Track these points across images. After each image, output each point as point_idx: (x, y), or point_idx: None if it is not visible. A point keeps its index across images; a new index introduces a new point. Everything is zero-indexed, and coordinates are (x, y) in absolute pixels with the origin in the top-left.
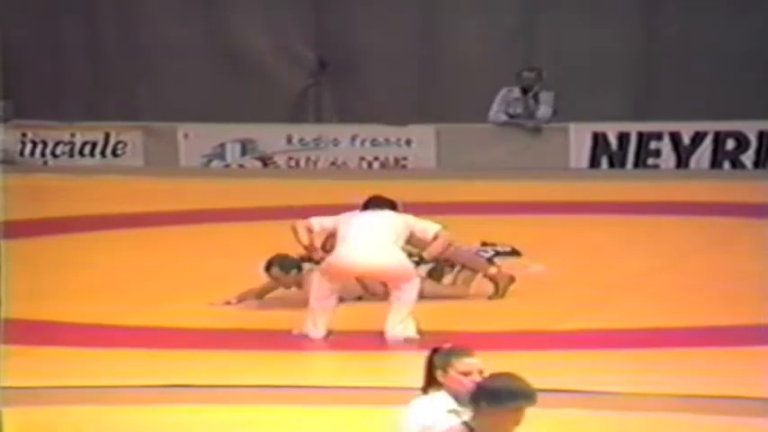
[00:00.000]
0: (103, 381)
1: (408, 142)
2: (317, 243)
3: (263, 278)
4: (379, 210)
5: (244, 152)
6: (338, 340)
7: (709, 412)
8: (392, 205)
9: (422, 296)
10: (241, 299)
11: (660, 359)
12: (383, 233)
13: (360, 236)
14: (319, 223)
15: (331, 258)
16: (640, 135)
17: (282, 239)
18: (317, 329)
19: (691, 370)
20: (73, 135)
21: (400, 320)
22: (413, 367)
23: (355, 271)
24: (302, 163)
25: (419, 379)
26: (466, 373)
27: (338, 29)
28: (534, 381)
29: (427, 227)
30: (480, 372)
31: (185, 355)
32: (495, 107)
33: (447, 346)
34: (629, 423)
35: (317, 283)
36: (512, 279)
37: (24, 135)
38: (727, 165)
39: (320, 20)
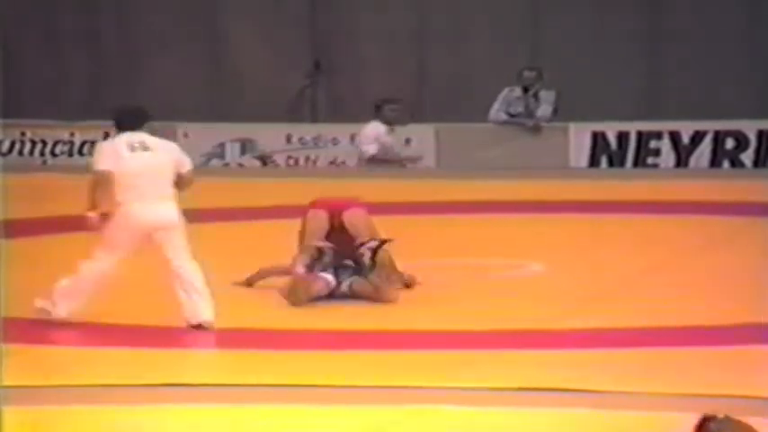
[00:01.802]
0: (103, 381)
1: (408, 142)
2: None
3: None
4: (138, 131)
5: (243, 151)
6: (338, 340)
7: (708, 412)
8: (146, 116)
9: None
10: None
11: (660, 359)
12: (167, 178)
13: (149, 188)
14: (104, 180)
15: (120, 218)
16: (640, 134)
17: (282, 239)
18: (66, 308)
19: (691, 370)
20: (73, 135)
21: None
22: (412, 367)
23: (148, 228)
24: (301, 162)
25: (419, 379)
26: None
27: (336, 29)
28: (534, 381)
29: (186, 159)
30: None
31: (185, 356)
32: (496, 106)
33: (721, 416)
34: (629, 423)
35: (104, 249)
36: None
37: (24, 135)
38: (726, 164)
39: (317, 20)
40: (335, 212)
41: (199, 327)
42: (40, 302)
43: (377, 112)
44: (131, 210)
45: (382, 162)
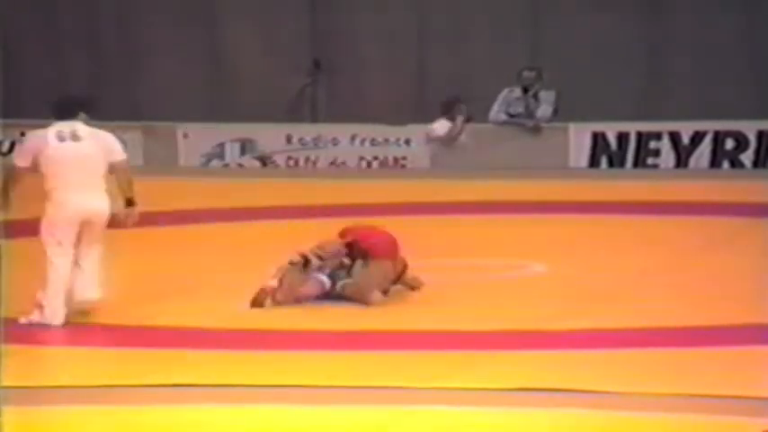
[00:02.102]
0: (103, 381)
1: (408, 142)
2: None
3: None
4: (71, 120)
5: (243, 152)
6: (337, 340)
7: (709, 412)
8: (87, 107)
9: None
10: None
11: (660, 359)
12: (96, 169)
13: (79, 178)
14: (23, 168)
15: (50, 208)
16: (640, 135)
17: (282, 239)
18: (56, 315)
19: (691, 370)
20: None
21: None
22: (412, 367)
23: (78, 217)
24: (301, 162)
25: (419, 379)
26: None
27: (335, 29)
28: (534, 381)
29: (117, 149)
30: None
31: (185, 356)
32: (495, 107)
33: None
34: (629, 423)
35: (49, 247)
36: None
37: (24, 135)
38: (726, 164)
39: (317, 20)
40: (357, 242)
41: (83, 305)
42: (24, 319)
43: (446, 112)
44: (59, 198)
45: (448, 141)
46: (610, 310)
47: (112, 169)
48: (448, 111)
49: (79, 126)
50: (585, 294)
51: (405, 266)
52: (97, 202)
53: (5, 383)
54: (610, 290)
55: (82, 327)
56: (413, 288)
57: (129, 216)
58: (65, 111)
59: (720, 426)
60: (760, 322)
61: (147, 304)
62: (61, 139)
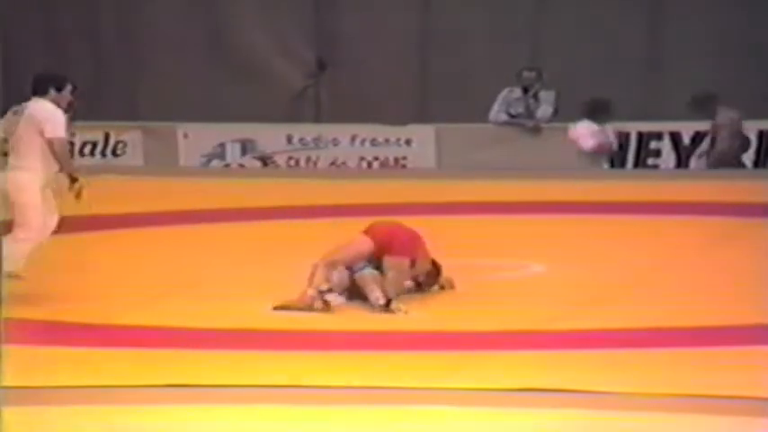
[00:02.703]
0: (103, 381)
1: (408, 142)
2: None
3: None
4: (43, 96)
5: (244, 152)
6: (337, 341)
7: (709, 412)
8: (58, 84)
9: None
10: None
11: (660, 359)
12: (25, 148)
13: (10, 152)
14: None
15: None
16: (640, 135)
17: (282, 239)
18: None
19: (691, 370)
20: (73, 135)
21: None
22: (412, 368)
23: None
24: (302, 163)
25: (419, 379)
26: None
27: (337, 28)
28: (535, 381)
29: (49, 126)
30: None
31: (185, 355)
32: (496, 107)
33: None
34: (629, 423)
35: None
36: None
37: None
38: None
39: (319, 20)
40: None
41: None
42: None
43: (592, 116)
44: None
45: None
46: (610, 310)
47: (50, 146)
48: (593, 114)
49: (33, 105)
50: (585, 294)
51: (438, 268)
52: (12, 175)
53: (5, 383)
54: (610, 290)
55: (81, 327)
56: (442, 287)
57: (73, 191)
58: (38, 87)
59: (720, 426)
60: (760, 322)
61: (147, 304)
62: (14, 115)
